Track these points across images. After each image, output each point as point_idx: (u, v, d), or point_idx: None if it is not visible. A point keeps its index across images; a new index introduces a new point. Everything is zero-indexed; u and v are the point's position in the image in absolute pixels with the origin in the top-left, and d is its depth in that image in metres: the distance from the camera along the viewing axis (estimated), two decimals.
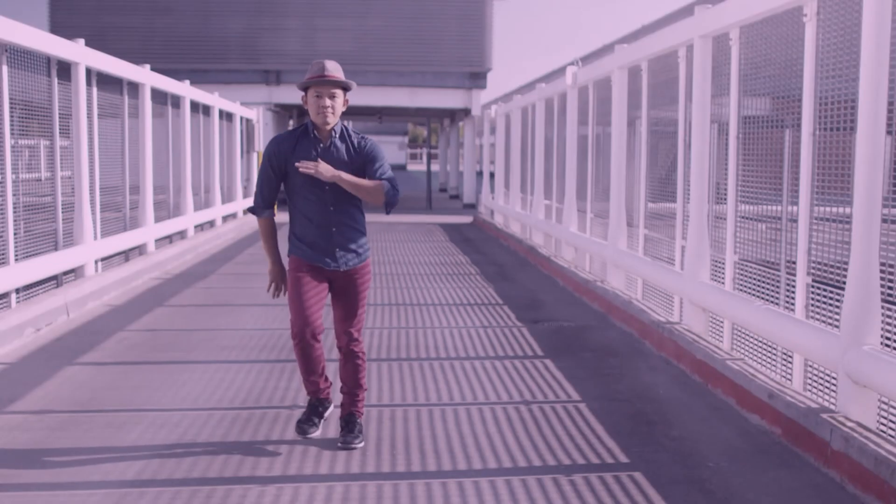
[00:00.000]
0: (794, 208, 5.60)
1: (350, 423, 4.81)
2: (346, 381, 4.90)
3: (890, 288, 4.59)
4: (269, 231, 4.81)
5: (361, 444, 4.77)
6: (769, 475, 4.45)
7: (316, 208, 4.65)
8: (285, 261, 4.83)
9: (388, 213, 4.80)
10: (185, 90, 14.56)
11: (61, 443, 4.80)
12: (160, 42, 25.09)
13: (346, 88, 4.65)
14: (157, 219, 12.67)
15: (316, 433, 4.84)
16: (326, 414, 4.97)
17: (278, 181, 4.73)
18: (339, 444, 4.73)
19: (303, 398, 5.69)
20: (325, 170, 4.52)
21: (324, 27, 25.96)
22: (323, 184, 4.61)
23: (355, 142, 4.70)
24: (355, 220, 4.73)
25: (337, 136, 4.67)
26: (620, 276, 9.38)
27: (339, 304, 4.80)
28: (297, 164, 4.55)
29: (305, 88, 4.61)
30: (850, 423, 4.52)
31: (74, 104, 9.36)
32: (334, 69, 4.58)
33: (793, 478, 4.42)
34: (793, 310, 5.55)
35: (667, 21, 17.82)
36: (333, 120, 4.62)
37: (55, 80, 8.85)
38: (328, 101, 4.58)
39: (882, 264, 4.61)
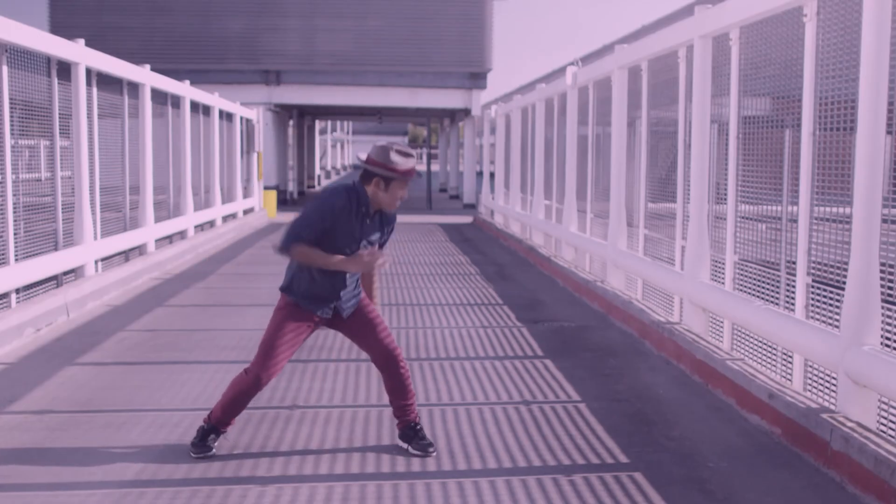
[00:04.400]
0: (794, 208, 5.60)
1: (420, 429, 4.74)
2: (400, 391, 4.76)
3: (890, 288, 4.58)
4: (312, 249, 4.53)
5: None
6: (769, 475, 4.45)
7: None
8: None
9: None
10: (185, 90, 14.56)
11: (61, 443, 4.80)
12: (160, 42, 25.08)
13: None
14: (157, 219, 12.66)
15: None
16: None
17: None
18: (419, 453, 4.66)
19: (303, 398, 5.70)
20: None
21: (324, 27, 25.96)
22: (352, 250, 4.55)
23: (389, 221, 4.71)
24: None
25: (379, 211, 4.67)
26: (620, 276, 9.38)
27: (366, 334, 4.72)
28: (380, 262, 4.55)
29: (386, 175, 4.49)
30: (850, 423, 4.52)
31: (74, 104, 9.36)
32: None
33: (793, 478, 4.42)
34: (793, 310, 5.55)
35: (667, 21, 17.81)
36: None
37: (55, 80, 8.85)
38: (406, 194, 4.61)
39: (882, 264, 4.61)
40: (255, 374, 4.56)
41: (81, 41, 9.39)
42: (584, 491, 4.19)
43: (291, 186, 30.40)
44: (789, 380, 5.62)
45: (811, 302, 5.36)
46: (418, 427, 4.75)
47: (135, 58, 12.66)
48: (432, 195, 29.86)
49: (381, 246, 4.76)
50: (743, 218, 6.39)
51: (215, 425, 4.66)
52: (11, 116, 7.81)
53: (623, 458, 4.66)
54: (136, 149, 11.92)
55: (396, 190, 4.54)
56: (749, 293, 6.19)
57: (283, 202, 27.65)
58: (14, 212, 7.83)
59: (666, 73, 8.10)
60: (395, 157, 4.51)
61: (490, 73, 27.03)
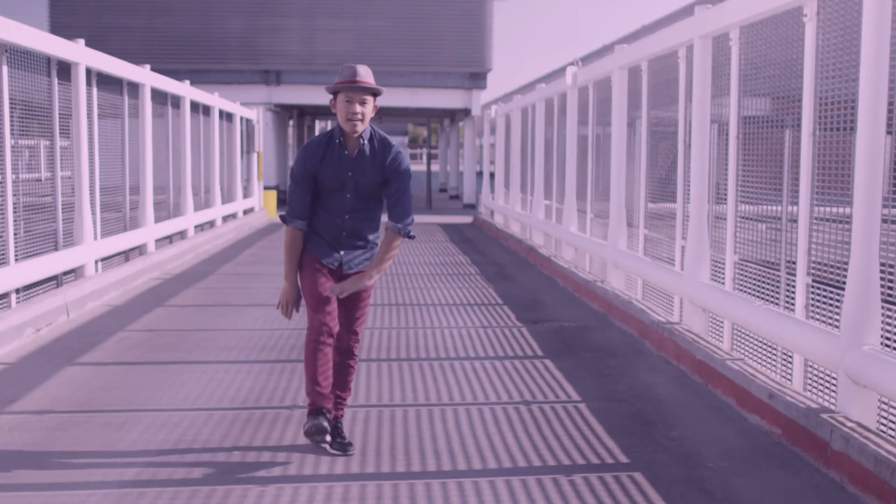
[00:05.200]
0: (794, 208, 5.60)
1: (340, 429, 4.73)
2: (340, 382, 4.77)
3: (890, 288, 4.58)
4: (296, 244, 4.62)
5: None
6: (769, 475, 4.45)
7: (334, 212, 4.59)
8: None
9: (411, 238, 4.70)
10: (185, 90, 14.56)
11: (61, 443, 4.80)
12: (160, 42, 25.09)
13: (376, 94, 4.54)
14: (157, 219, 12.67)
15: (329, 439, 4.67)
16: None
17: (312, 187, 4.57)
18: (337, 451, 4.65)
19: (302, 398, 5.68)
20: (349, 288, 4.51)
21: (324, 27, 25.97)
22: (345, 191, 4.56)
23: (385, 155, 4.58)
24: (369, 225, 4.67)
25: (366, 143, 4.58)
26: (620, 277, 9.38)
27: (346, 302, 4.69)
28: (334, 292, 4.51)
29: (334, 92, 4.50)
30: (850, 424, 4.52)
31: (74, 104, 9.36)
32: (366, 74, 4.48)
33: (793, 478, 4.42)
34: (793, 310, 5.55)
35: (667, 21, 17.82)
36: (362, 127, 4.52)
37: (55, 80, 8.85)
38: (358, 108, 4.46)
39: (882, 264, 4.61)
40: (313, 327, 4.53)
41: (81, 41, 9.39)
42: (584, 491, 4.19)
43: None
44: (789, 380, 5.62)
45: (811, 302, 5.36)
46: (339, 425, 4.72)
47: (135, 58, 12.67)
48: (432, 195, 29.87)
49: (386, 186, 4.59)
50: (743, 218, 6.39)
51: (315, 405, 4.53)
52: (11, 116, 7.81)
53: (623, 458, 4.66)
54: (136, 149, 11.92)
55: (343, 104, 4.45)
56: (749, 293, 6.20)
57: (283, 202, 27.62)
58: (14, 212, 7.83)
59: (666, 73, 8.10)
60: (339, 74, 4.51)
61: (490, 73, 27.05)
